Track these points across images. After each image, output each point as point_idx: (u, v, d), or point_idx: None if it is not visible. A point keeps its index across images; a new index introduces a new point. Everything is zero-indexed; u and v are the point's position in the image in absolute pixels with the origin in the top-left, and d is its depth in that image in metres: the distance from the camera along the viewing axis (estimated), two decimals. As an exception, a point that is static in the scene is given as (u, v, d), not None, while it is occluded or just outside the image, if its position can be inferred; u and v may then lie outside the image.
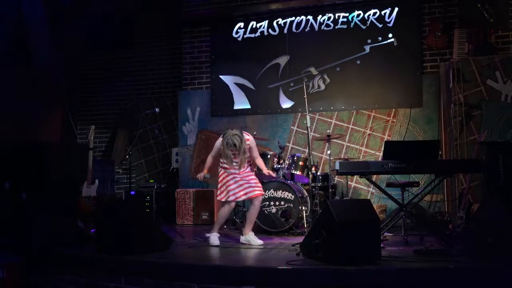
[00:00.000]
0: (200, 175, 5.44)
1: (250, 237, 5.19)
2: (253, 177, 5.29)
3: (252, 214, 5.24)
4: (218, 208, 6.54)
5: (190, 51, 8.08)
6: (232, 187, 5.17)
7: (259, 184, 5.27)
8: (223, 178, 5.24)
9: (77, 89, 9.01)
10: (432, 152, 4.75)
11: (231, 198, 5.17)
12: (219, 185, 5.27)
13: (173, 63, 8.54)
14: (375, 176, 6.46)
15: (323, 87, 7.38)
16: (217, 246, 5.06)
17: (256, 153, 5.39)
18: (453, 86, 6.03)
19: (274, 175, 5.67)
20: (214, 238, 5.16)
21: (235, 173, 5.20)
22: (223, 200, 5.23)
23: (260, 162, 5.46)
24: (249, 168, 5.36)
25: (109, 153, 8.80)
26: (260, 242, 5.12)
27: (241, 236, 5.30)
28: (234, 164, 5.17)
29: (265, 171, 5.47)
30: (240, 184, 5.17)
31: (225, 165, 5.23)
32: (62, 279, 4.59)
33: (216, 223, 5.31)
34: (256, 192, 5.17)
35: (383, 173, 5.46)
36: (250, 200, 5.23)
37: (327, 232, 3.97)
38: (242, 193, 5.15)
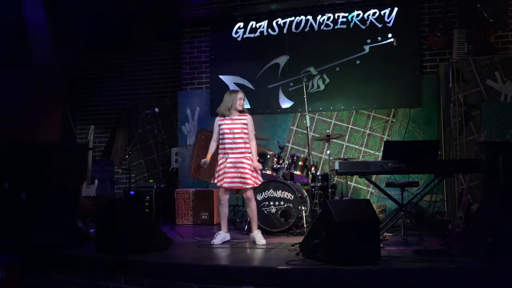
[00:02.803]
0: (204, 161, 5.31)
1: (255, 235, 5.18)
2: (248, 168, 5.15)
3: (250, 209, 5.24)
4: (217, 208, 6.53)
5: (189, 51, 8.08)
6: (219, 172, 5.20)
7: (250, 177, 5.12)
8: (220, 163, 5.24)
9: (77, 89, 9.03)
10: (432, 152, 4.75)
11: (215, 181, 5.22)
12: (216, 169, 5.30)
13: (172, 63, 8.53)
14: (374, 176, 6.47)
15: (322, 87, 7.38)
16: (217, 245, 5.06)
17: (252, 134, 5.27)
18: (452, 86, 6.03)
19: (261, 167, 5.41)
20: (218, 237, 5.18)
21: (230, 156, 5.15)
22: (213, 182, 5.28)
23: (253, 145, 5.25)
24: (248, 156, 5.19)
25: (108, 153, 8.80)
26: (262, 242, 5.09)
27: (250, 233, 5.32)
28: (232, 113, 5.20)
29: (255, 162, 5.21)
30: (227, 173, 5.13)
31: (222, 150, 5.23)
32: (62, 279, 4.59)
33: (220, 219, 5.33)
34: (243, 185, 5.11)
35: (382, 173, 5.45)
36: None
37: (327, 232, 3.97)
38: (224, 180, 5.14)
